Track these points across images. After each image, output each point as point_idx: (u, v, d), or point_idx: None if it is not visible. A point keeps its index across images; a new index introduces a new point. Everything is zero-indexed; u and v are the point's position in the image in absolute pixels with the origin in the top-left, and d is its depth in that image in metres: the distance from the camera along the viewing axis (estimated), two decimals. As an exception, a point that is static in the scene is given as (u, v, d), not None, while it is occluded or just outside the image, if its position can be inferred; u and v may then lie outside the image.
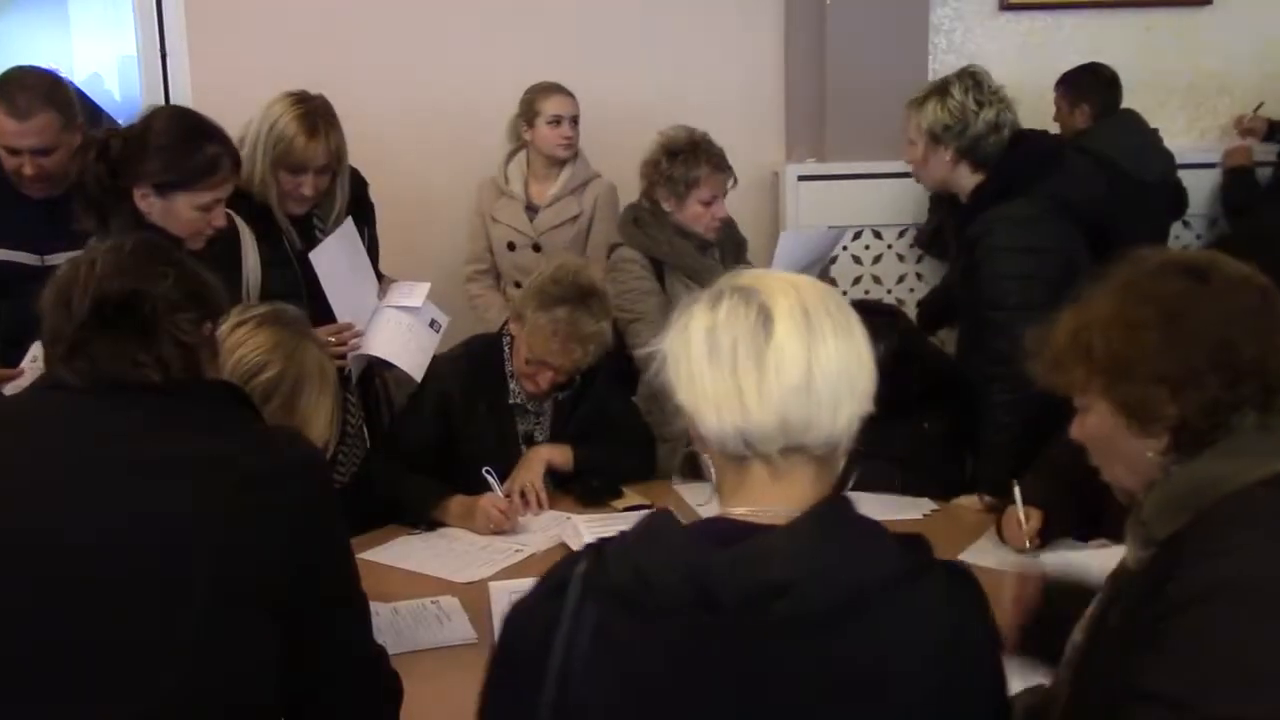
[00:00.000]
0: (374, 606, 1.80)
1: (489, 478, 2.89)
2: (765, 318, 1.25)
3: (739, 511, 1.29)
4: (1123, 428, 1.42)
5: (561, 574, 1.28)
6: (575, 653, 1.22)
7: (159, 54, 4.46)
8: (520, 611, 1.32)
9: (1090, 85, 4.45)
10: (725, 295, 1.29)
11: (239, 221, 2.90)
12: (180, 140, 2.56)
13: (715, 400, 1.25)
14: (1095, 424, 1.46)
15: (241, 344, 2.02)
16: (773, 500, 1.27)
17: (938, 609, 1.23)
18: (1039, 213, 3.09)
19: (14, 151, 3.01)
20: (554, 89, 3.97)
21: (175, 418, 1.59)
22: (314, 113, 2.96)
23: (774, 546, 1.22)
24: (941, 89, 3.15)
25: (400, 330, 3.06)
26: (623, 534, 1.29)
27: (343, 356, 2.95)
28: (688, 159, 3.41)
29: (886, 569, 1.22)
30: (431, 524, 2.88)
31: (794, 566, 1.20)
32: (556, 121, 3.95)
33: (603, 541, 1.29)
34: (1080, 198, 3.20)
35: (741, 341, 1.25)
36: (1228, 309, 1.38)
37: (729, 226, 3.62)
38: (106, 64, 8.45)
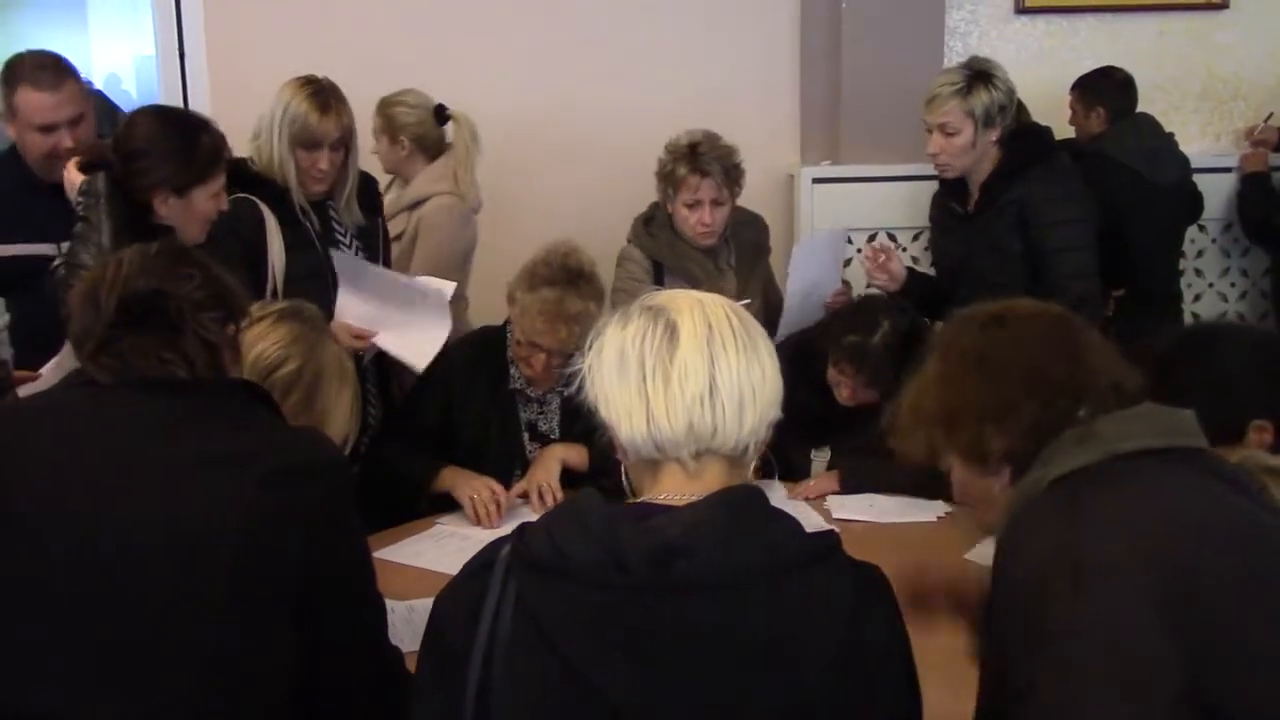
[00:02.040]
0: (389, 605, 1.81)
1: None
2: (671, 334, 1.36)
3: (651, 497, 1.40)
4: (973, 473, 1.56)
5: (487, 555, 1.36)
6: (499, 628, 1.29)
7: (177, 54, 4.48)
8: (448, 593, 1.39)
9: (1105, 89, 4.44)
10: (635, 315, 1.40)
11: (264, 208, 3.01)
12: (180, 140, 2.64)
13: (627, 411, 1.36)
14: (956, 477, 1.60)
15: (261, 339, 2.03)
16: (686, 491, 1.37)
17: (838, 595, 1.31)
18: (1064, 170, 3.43)
19: (49, 129, 3.05)
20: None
21: (199, 415, 1.61)
22: (324, 91, 3.07)
23: (676, 517, 1.31)
24: (981, 74, 3.34)
25: (435, 329, 3.10)
26: (548, 512, 1.38)
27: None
28: (675, 160, 3.41)
29: (785, 550, 1.30)
30: (432, 500, 2.93)
31: (692, 534, 1.28)
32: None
33: (525, 524, 1.37)
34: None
35: (649, 357, 1.36)
36: (1027, 341, 1.53)
37: (747, 228, 3.60)
38: (124, 64, 8.50)
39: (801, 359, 3.02)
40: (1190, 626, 1.30)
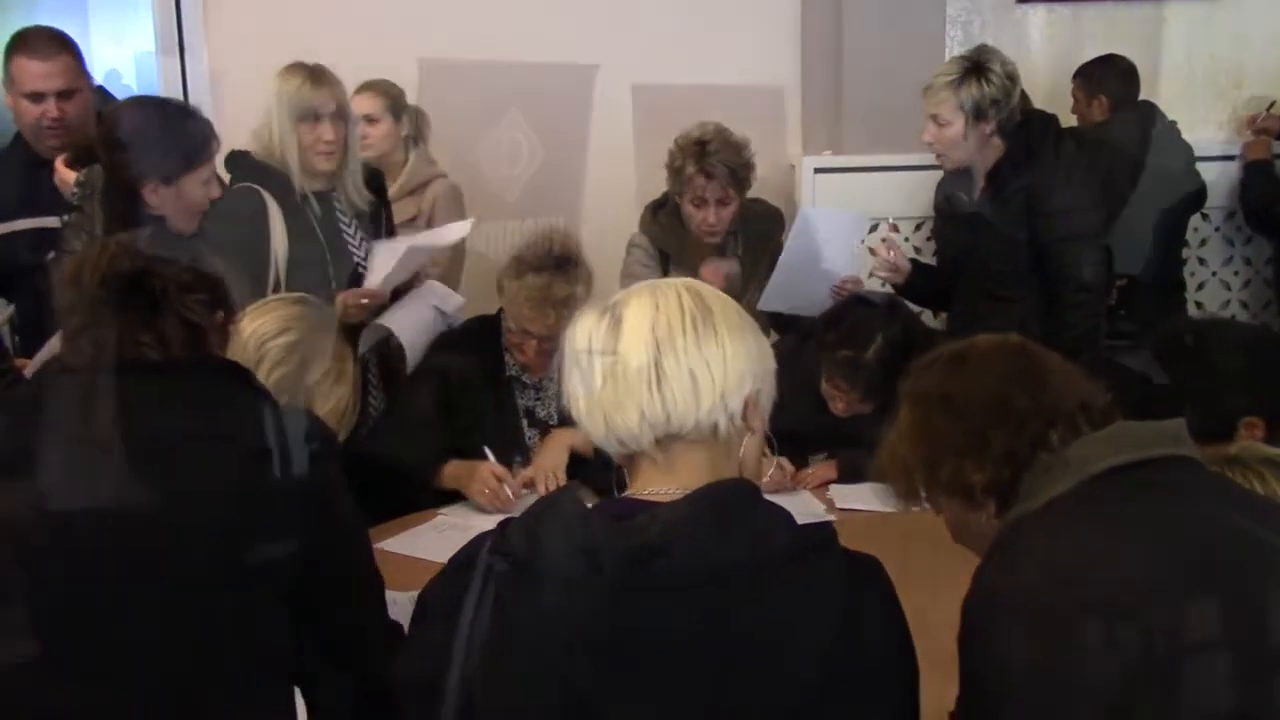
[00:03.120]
0: (391, 596, 1.81)
1: (486, 452, 2.92)
2: (615, 327, 1.35)
3: (634, 492, 1.37)
4: (960, 509, 1.57)
5: (470, 551, 1.34)
6: (478, 625, 1.28)
7: (177, 50, 4.48)
8: (430, 589, 1.38)
9: (1107, 77, 4.44)
10: (587, 313, 1.39)
11: (266, 196, 3.02)
12: (166, 129, 2.68)
13: (589, 412, 1.36)
14: (948, 517, 1.62)
15: (266, 313, 2.05)
16: (667, 484, 1.35)
17: (829, 590, 1.28)
18: (1070, 158, 3.43)
19: (37, 98, 3.08)
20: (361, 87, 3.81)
21: (179, 396, 1.60)
22: (315, 67, 3.08)
23: (654, 516, 1.28)
24: (977, 67, 3.30)
25: (425, 322, 3.12)
26: (527, 509, 1.36)
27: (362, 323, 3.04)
28: (684, 156, 3.41)
29: (773, 545, 1.28)
30: (431, 491, 2.92)
31: (671, 533, 1.26)
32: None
33: (507, 519, 1.35)
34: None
35: (596, 355, 1.35)
36: (988, 374, 1.56)
37: (761, 223, 3.60)
38: (124, 60, 8.49)
39: (797, 368, 3.01)
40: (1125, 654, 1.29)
